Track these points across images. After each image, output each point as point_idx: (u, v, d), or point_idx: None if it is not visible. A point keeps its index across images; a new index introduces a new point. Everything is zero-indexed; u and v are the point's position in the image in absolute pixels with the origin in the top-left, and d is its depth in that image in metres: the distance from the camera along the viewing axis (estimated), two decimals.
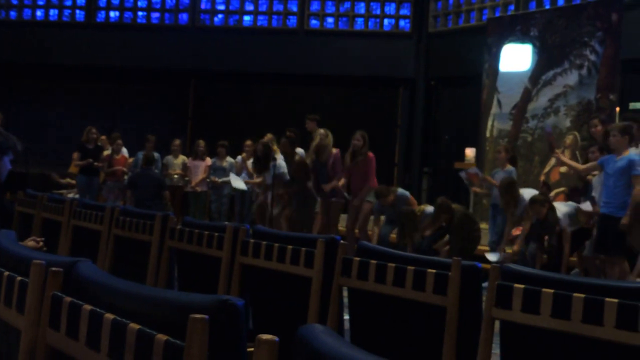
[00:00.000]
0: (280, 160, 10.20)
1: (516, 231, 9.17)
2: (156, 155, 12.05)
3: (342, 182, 9.82)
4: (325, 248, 3.32)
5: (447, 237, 9.23)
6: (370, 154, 9.85)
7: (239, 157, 12.10)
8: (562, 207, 8.37)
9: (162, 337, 1.41)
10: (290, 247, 3.47)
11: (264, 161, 10.21)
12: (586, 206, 8.09)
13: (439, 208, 9.14)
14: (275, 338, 1.23)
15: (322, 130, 10.07)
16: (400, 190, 10.01)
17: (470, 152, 11.75)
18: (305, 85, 15.52)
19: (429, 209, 9.42)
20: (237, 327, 1.41)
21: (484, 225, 10.00)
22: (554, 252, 8.29)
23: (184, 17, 16.47)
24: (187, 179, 12.47)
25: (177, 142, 12.93)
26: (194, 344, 1.34)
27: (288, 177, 10.13)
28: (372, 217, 9.99)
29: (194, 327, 1.34)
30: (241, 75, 15.66)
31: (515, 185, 8.83)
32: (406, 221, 9.26)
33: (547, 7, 13.18)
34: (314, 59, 15.38)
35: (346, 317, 3.37)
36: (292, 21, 16.18)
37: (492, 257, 8.19)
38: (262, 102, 15.43)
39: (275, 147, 10.35)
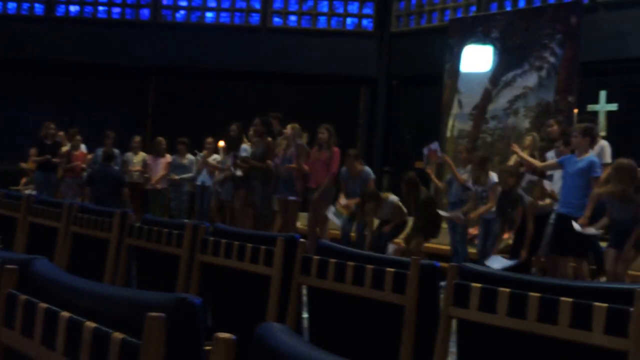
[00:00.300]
0: (246, 147, 10.22)
1: (474, 231, 9.28)
2: (116, 151, 11.93)
3: (305, 167, 9.80)
4: (285, 246, 3.32)
5: (405, 233, 9.30)
6: (336, 149, 9.87)
7: (200, 155, 12.04)
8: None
9: (118, 335, 1.40)
10: (250, 245, 3.46)
11: (235, 142, 10.16)
12: (545, 183, 8.15)
13: (408, 182, 9.25)
14: (233, 337, 1.23)
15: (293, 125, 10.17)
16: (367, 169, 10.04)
17: None
18: (267, 83, 15.49)
19: (393, 197, 9.44)
20: (195, 325, 1.41)
21: (443, 225, 10.07)
22: (515, 227, 8.39)
23: (145, 12, 16.33)
24: (146, 176, 12.37)
25: (137, 138, 12.82)
26: (150, 343, 1.33)
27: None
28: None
29: (151, 326, 1.33)
30: (203, 72, 15.58)
31: (489, 162, 8.94)
32: (368, 199, 9.25)
33: (509, 9, 13.33)
34: (276, 57, 15.36)
35: (305, 315, 3.37)
36: (255, 19, 16.13)
37: (494, 263, 8.00)
38: (224, 100, 15.37)
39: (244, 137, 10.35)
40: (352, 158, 9.76)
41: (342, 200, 9.57)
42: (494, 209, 8.53)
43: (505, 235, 9.26)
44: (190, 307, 1.41)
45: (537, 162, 8.11)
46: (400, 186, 9.79)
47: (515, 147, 8.28)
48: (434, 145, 8.99)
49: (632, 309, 2.20)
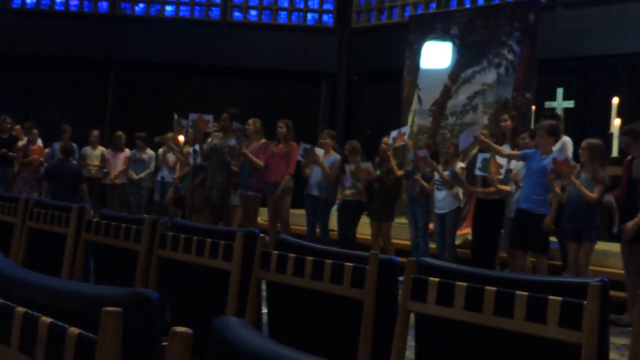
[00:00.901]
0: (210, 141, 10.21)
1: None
2: (74, 146, 11.80)
3: (260, 161, 9.82)
4: (244, 241, 3.32)
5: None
6: (294, 144, 9.90)
7: (160, 150, 11.97)
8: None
9: (74, 330, 1.39)
10: (209, 240, 3.45)
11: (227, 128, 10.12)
12: (502, 160, 8.26)
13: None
14: (190, 330, 1.23)
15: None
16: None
17: None
18: (227, 78, 15.42)
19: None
20: (152, 320, 1.40)
21: (403, 220, 10.14)
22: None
23: (103, 5, 16.15)
24: (105, 170, 12.25)
25: (96, 132, 12.69)
26: (107, 338, 1.32)
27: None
28: None
29: (107, 320, 1.32)
30: (162, 66, 15.46)
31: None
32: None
33: (468, 6, 13.44)
34: (236, 52, 15.30)
35: (265, 310, 3.37)
36: (215, 13, 16.05)
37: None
38: (184, 94, 15.26)
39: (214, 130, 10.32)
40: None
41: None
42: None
43: (464, 230, 9.36)
44: (147, 302, 1.40)
45: (503, 150, 8.17)
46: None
47: (483, 137, 8.34)
48: (422, 152, 9.03)
49: (585, 303, 2.24)
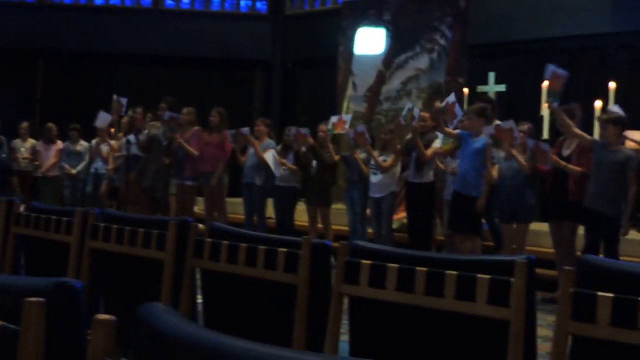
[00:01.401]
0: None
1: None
2: (2, 139, 11.53)
3: (195, 152, 9.77)
4: (178, 230, 3.30)
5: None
6: (228, 133, 9.87)
7: (93, 142, 11.78)
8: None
9: None
10: (142, 230, 3.42)
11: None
12: (437, 143, 8.37)
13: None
14: (113, 318, 1.21)
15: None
16: None
17: None
18: (160, 67, 15.21)
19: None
20: (76, 309, 1.38)
21: (341, 206, 10.18)
22: None
23: None
24: (37, 164, 12.00)
25: (25, 125, 12.40)
26: (30, 329, 1.30)
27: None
28: None
29: (30, 311, 1.30)
30: (93, 55, 15.16)
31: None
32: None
33: None
34: (169, 40, 15.10)
35: (200, 299, 3.36)
36: (147, 1, 15.81)
37: None
38: (116, 84, 14.97)
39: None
40: None
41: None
42: None
43: (401, 214, 9.45)
44: (71, 291, 1.38)
45: (445, 128, 8.22)
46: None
47: (427, 116, 8.42)
48: (361, 128, 9.07)
49: (512, 280, 2.29)
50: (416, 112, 8.40)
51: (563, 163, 7.30)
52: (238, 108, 13.54)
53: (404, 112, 8.55)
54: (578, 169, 7.29)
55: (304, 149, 9.51)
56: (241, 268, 3.01)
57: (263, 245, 2.97)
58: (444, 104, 7.81)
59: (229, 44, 15.08)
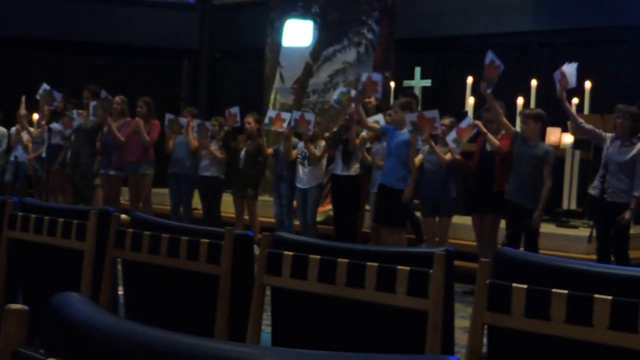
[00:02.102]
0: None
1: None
2: None
3: (122, 138, 9.67)
4: (98, 220, 3.25)
5: None
6: (156, 122, 9.79)
7: (13, 129, 11.49)
8: None
9: None
10: (61, 220, 3.36)
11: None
12: (364, 133, 8.46)
13: None
14: (25, 307, 1.19)
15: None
16: None
17: None
18: (86, 55, 14.91)
19: None
20: None
21: (267, 198, 10.18)
22: None
23: None
24: None
25: None
26: None
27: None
28: None
29: None
30: (18, 41, 14.74)
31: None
32: None
33: None
34: (95, 27, 14.79)
35: (121, 290, 3.32)
36: None
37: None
38: (39, 71, 14.63)
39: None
40: None
41: None
42: None
43: (327, 206, 9.50)
44: None
45: (366, 120, 8.27)
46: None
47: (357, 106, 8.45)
48: (285, 115, 9.06)
49: (431, 271, 2.33)
50: (353, 93, 8.43)
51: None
52: (164, 98, 13.39)
53: (336, 96, 8.53)
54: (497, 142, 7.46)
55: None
56: (163, 258, 2.99)
57: (185, 235, 2.95)
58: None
59: (156, 32, 14.89)
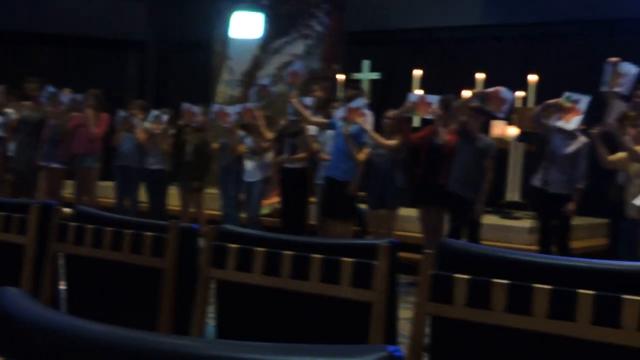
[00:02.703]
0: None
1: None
2: None
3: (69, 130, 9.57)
4: (40, 214, 3.19)
5: None
6: (104, 115, 9.68)
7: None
8: None
9: None
10: (1, 213, 3.29)
11: None
12: (313, 129, 8.50)
13: None
14: None
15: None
16: None
17: None
18: (29, 45, 14.62)
19: None
20: None
21: (214, 191, 10.12)
22: None
23: None
24: None
25: None
26: None
27: None
28: None
29: None
30: None
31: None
32: None
33: None
34: (39, 17, 14.52)
35: (63, 285, 3.27)
36: None
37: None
38: None
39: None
40: None
41: None
42: None
43: (273, 199, 9.48)
44: None
45: (309, 116, 8.32)
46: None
47: (294, 99, 8.46)
48: (231, 109, 9.09)
49: (375, 263, 2.34)
50: (271, 88, 8.50)
51: None
52: (111, 89, 13.23)
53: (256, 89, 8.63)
54: None
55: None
56: (106, 252, 2.96)
57: (129, 229, 2.92)
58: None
59: (102, 24, 14.66)
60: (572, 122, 6.97)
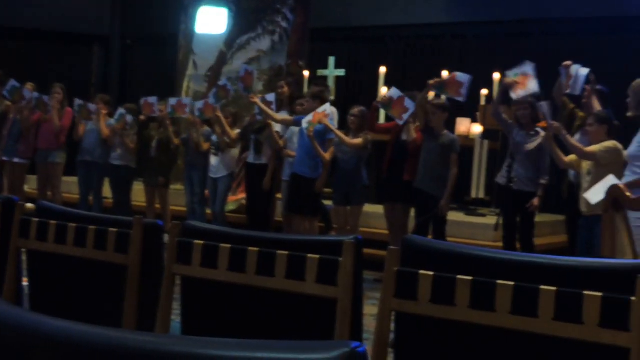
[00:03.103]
0: None
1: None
2: None
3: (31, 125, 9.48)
4: (2, 209, 3.16)
5: None
6: (68, 109, 9.61)
7: None
8: None
9: None
10: None
11: None
12: (278, 127, 8.50)
13: None
14: None
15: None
16: None
17: None
18: None
19: None
20: None
21: (179, 187, 10.07)
22: None
23: None
24: None
25: None
26: None
27: None
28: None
29: None
30: None
31: None
32: None
33: None
34: (2, 11, 14.31)
35: (26, 281, 3.24)
36: None
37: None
38: None
39: None
40: None
41: None
42: None
43: (240, 195, 9.47)
44: None
45: (274, 114, 8.31)
46: None
47: (255, 99, 8.44)
48: (186, 100, 9.07)
49: (340, 259, 2.35)
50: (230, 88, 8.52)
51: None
52: (74, 84, 13.09)
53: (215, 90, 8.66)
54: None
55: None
56: (70, 248, 2.93)
57: (93, 224, 2.90)
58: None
59: (65, 17, 14.50)
60: (531, 86, 7.05)
